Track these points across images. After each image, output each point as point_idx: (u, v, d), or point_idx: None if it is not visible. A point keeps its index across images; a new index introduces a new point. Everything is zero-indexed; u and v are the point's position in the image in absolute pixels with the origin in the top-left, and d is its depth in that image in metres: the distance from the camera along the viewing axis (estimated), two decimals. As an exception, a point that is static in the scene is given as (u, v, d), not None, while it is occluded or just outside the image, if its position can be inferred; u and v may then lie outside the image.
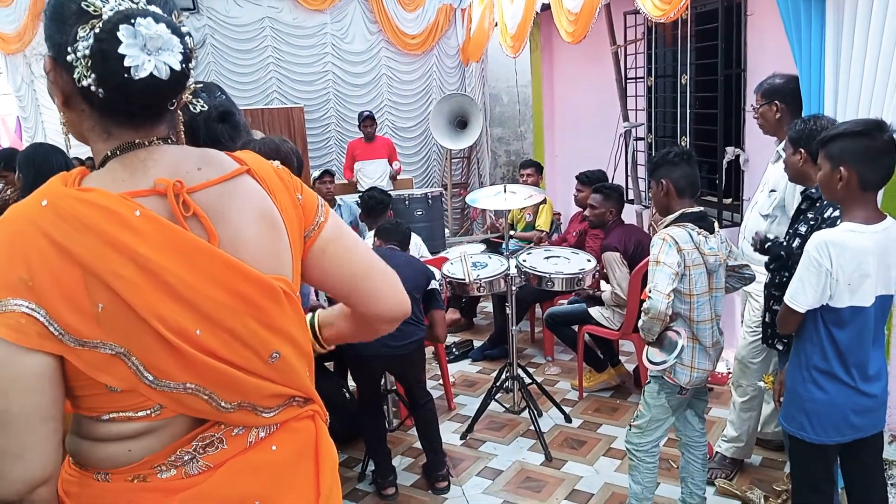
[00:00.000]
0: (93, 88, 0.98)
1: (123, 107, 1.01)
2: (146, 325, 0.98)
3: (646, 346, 2.63)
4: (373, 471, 3.38)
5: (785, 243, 2.44)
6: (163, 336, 0.99)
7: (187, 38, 1.04)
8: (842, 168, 2.02)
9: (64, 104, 1.05)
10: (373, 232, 4.37)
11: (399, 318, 1.30)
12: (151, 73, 0.98)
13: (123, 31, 0.96)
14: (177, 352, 1.00)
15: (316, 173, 5.56)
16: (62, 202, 0.97)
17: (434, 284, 3.40)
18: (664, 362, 2.52)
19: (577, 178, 5.01)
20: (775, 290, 2.43)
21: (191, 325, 1.01)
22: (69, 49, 0.98)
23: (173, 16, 1.03)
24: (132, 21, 0.96)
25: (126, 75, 0.96)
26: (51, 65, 1.03)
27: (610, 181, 4.80)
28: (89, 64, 0.97)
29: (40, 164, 2.92)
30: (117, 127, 1.05)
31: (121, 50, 0.96)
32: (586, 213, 4.42)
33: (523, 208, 5.43)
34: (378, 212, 4.46)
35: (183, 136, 1.16)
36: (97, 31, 0.96)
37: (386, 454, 3.36)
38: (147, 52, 0.97)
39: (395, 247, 3.60)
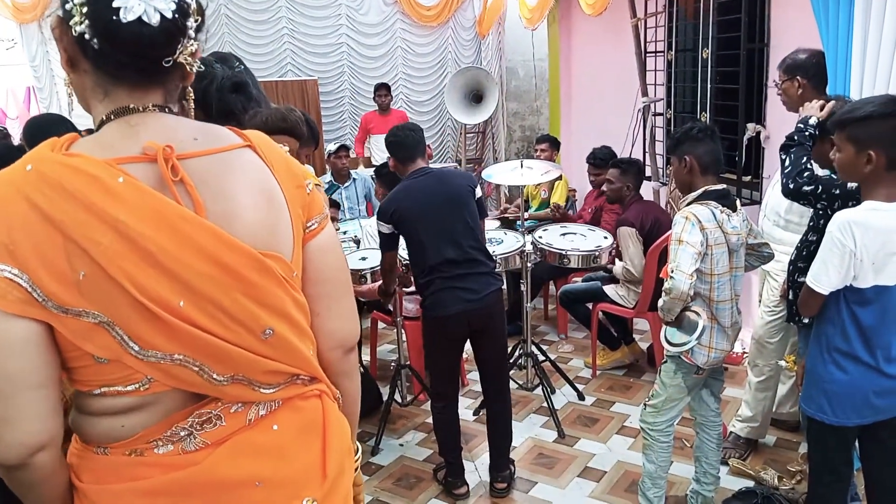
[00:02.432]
0: (86, 36, 0.97)
1: (113, 56, 0.99)
2: (126, 294, 0.96)
3: (664, 327, 2.60)
4: (442, 468, 3.19)
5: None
6: (144, 305, 0.97)
7: None
8: (871, 152, 1.97)
9: (68, 63, 1.04)
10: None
11: (345, 346, 1.26)
12: (140, 18, 0.96)
13: None
14: (160, 321, 0.99)
15: (332, 147, 5.52)
16: (46, 167, 0.96)
17: (479, 193, 3.04)
18: (684, 344, 2.49)
19: (588, 161, 4.93)
20: (801, 263, 2.40)
21: (173, 295, 0.99)
22: None
23: None
24: None
25: (114, 17, 0.95)
26: (57, 21, 1.02)
27: (618, 156, 4.73)
28: (84, 10, 0.96)
29: (39, 134, 2.89)
30: (113, 85, 1.03)
31: None
32: (603, 188, 4.36)
33: (538, 184, 5.38)
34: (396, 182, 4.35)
35: (192, 112, 1.14)
36: None
37: (459, 450, 3.14)
38: None
39: (419, 163, 3.02)
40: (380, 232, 2.99)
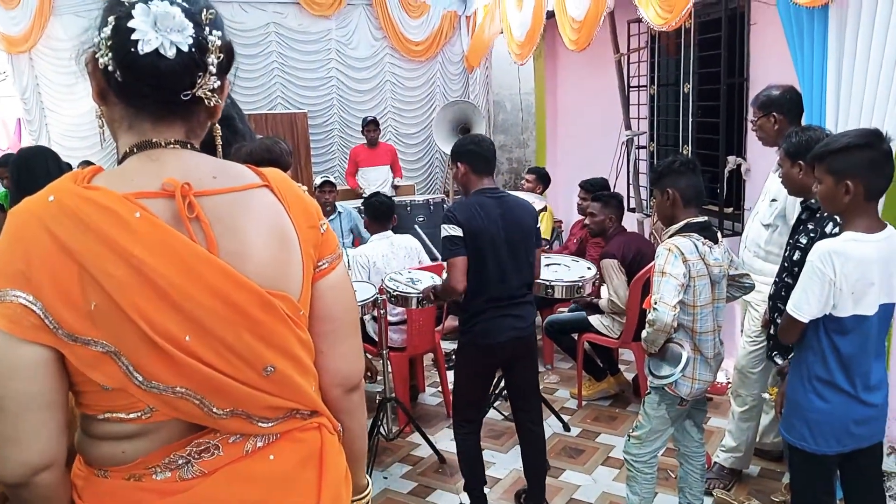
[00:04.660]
0: (110, 69, 1.01)
1: (134, 87, 1.03)
2: (135, 327, 0.99)
3: (647, 358, 2.62)
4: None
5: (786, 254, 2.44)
6: (151, 339, 0.99)
7: (209, 30, 1.05)
8: (848, 182, 2.01)
9: (98, 95, 1.08)
10: (379, 234, 4.27)
11: (347, 385, 1.26)
12: (157, 51, 0.99)
13: (138, 9, 0.99)
14: (166, 355, 1.01)
15: (318, 180, 5.55)
16: (67, 199, 0.99)
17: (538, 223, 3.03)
18: (669, 376, 2.50)
19: (580, 185, 5.01)
20: (781, 303, 2.43)
21: (180, 330, 1.01)
22: (98, 32, 1.02)
23: (203, 12, 1.04)
24: (148, 1, 1.00)
25: (133, 49, 0.99)
26: (89, 56, 1.06)
27: (612, 189, 4.81)
28: (108, 43, 1.00)
29: (24, 165, 2.94)
30: (136, 118, 1.07)
31: (131, 24, 0.99)
32: (586, 221, 4.42)
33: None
34: (384, 217, 4.36)
35: (219, 150, 1.17)
36: (119, 12, 1.00)
37: (483, 483, 3.08)
38: (156, 30, 0.99)
39: (490, 181, 2.89)
40: (448, 236, 2.75)
